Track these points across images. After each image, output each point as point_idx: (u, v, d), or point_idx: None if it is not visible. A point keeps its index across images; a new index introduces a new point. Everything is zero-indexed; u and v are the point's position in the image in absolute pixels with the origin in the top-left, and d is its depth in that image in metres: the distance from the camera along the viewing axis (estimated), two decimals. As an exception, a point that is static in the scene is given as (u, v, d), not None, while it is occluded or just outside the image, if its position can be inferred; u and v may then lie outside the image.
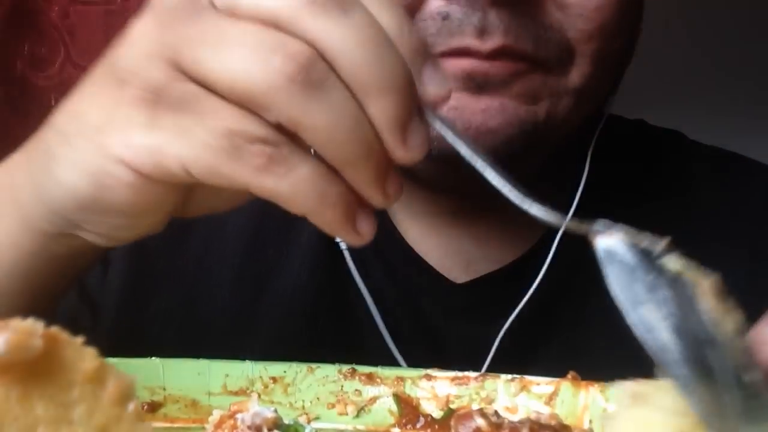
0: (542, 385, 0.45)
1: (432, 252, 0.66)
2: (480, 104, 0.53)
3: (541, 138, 0.56)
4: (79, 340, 0.25)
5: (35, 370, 0.22)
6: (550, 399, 0.45)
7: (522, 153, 0.55)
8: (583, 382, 0.44)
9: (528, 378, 0.46)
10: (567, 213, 0.63)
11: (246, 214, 0.67)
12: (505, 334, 0.62)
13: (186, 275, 0.66)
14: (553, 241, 0.63)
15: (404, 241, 0.66)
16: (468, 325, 0.64)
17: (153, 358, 0.45)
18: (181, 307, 0.64)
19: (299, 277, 0.65)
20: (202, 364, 0.46)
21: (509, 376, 0.45)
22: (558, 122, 0.57)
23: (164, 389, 0.45)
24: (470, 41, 0.52)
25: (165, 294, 0.64)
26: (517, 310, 0.62)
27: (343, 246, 0.65)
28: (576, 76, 0.55)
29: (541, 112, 0.55)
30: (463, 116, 0.54)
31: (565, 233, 0.64)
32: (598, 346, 0.62)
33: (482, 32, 0.52)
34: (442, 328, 0.64)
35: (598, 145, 0.67)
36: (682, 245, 0.69)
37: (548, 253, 0.63)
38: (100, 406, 0.24)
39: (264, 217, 0.67)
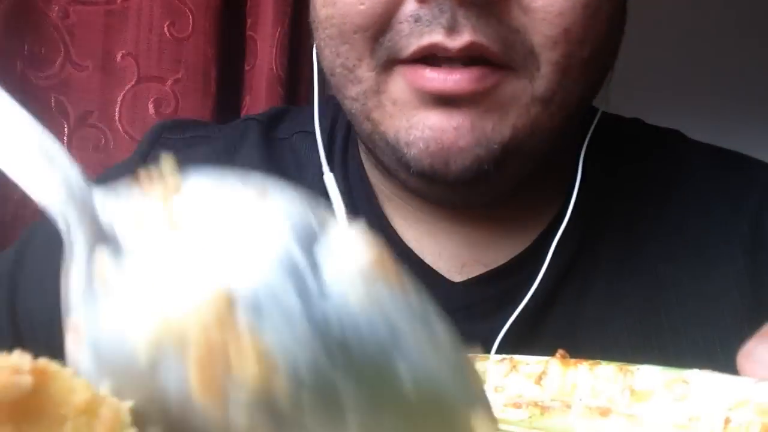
0: (531, 364, 0.45)
1: (428, 254, 0.66)
2: (452, 122, 0.54)
3: (513, 152, 0.57)
4: (70, 370, 0.24)
5: (24, 408, 0.22)
6: (540, 378, 0.44)
7: (494, 170, 0.56)
8: (572, 360, 0.44)
9: (517, 358, 0.45)
10: (564, 214, 0.63)
11: None
12: (496, 333, 0.62)
13: None
14: (550, 242, 0.63)
15: (402, 241, 0.66)
16: (467, 323, 0.64)
17: None
18: None
19: None
20: None
21: (498, 357, 0.46)
22: (528, 133, 0.57)
23: None
24: (439, 38, 0.53)
25: None
26: (517, 311, 0.62)
27: None
28: (541, 84, 0.55)
29: (506, 129, 0.56)
30: (437, 136, 0.55)
31: (562, 235, 0.64)
32: (595, 347, 0.62)
33: (451, 30, 0.53)
34: None
35: (593, 145, 0.67)
36: (680, 244, 0.69)
37: (544, 253, 0.63)
38: (94, 440, 0.23)
39: None
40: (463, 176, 0.56)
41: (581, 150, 0.65)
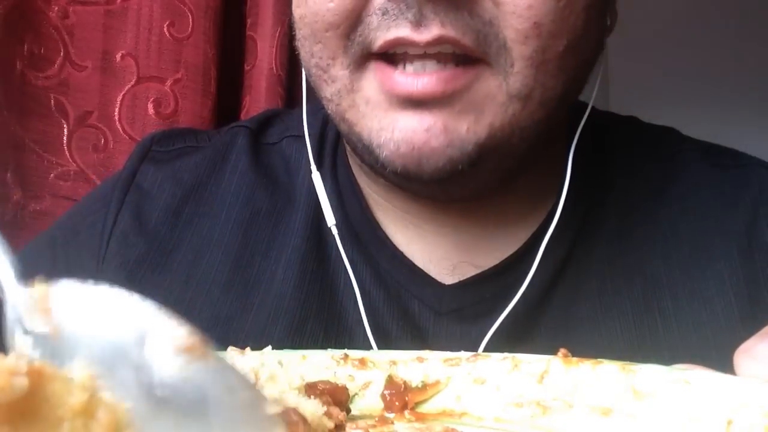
0: (533, 363, 0.45)
1: (418, 257, 0.66)
2: (423, 123, 0.54)
3: (490, 151, 0.56)
4: (66, 372, 0.24)
5: (21, 409, 0.21)
6: (542, 377, 0.44)
7: (470, 169, 0.55)
8: (574, 359, 0.44)
9: (519, 356, 0.45)
10: (554, 212, 0.63)
11: (233, 226, 0.67)
12: (492, 334, 0.62)
13: (174, 288, 0.66)
14: (542, 241, 0.63)
15: (393, 244, 0.66)
16: (459, 325, 0.64)
17: None
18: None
19: (286, 283, 0.65)
20: None
21: (501, 356, 0.45)
22: (506, 132, 0.56)
23: None
24: (406, 32, 0.53)
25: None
26: (506, 312, 0.62)
27: (339, 247, 0.65)
28: (517, 80, 0.55)
29: (482, 129, 0.55)
30: (407, 137, 0.54)
31: (551, 237, 0.64)
32: (589, 347, 0.62)
33: (418, 24, 0.52)
34: (430, 329, 0.64)
35: (587, 143, 0.66)
36: (675, 242, 0.68)
37: (534, 255, 0.63)
38: (92, 441, 0.23)
39: (250, 227, 0.68)
40: (437, 176, 0.56)
41: (570, 149, 0.64)
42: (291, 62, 1.10)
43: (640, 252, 0.66)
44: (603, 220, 0.67)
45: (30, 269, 0.71)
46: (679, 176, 0.70)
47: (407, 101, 0.55)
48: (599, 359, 0.43)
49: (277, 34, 1.08)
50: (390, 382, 0.47)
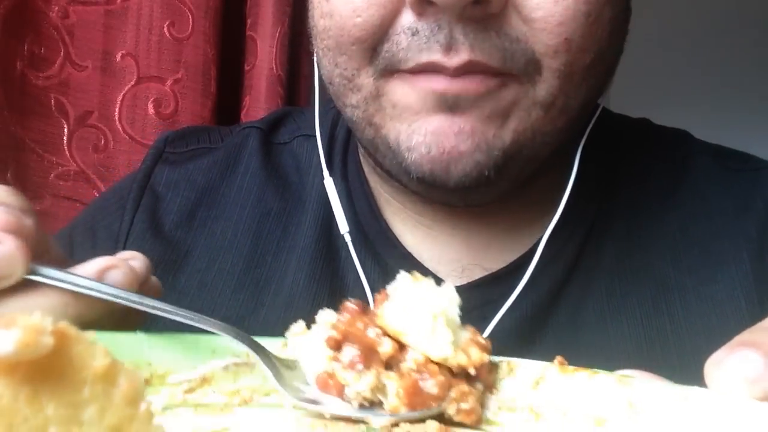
0: (529, 368, 0.44)
1: (427, 258, 0.66)
2: (453, 127, 0.54)
3: (514, 157, 0.56)
4: (89, 336, 0.24)
5: (44, 369, 0.21)
6: (537, 383, 0.44)
7: (495, 176, 0.55)
8: (571, 367, 0.43)
9: (514, 361, 0.45)
10: (569, 212, 0.62)
11: (244, 227, 0.68)
12: (500, 336, 0.61)
13: (189, 290, 0.66)
14: (551, 244, 0.63)
15: (401, 245, 0.66)
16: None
17: (138, 332, 0.44)
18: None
19: (296, 284, 0.65)
20: (189, 339, 0.45)
21: (496, 359, 0.45)
22: (528, 137, 0.56)
23: (150, 364, 0.43)
24: (438, 57, 0.52)
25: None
26: (500, 314, 0.61)
27: (351, 249, 0.65)
28: (542, 89, 0.55)
29: (507, 134, 0.55)
30: (438, 140, 0.54)
31: (557, 237, 0.64)
32: (597, 350, 0.62)
33: (449, 48, 0.52)
34: None
35: (598, 145, 0.66)
36: (685, 245, 0.68)
37: (546, 256, 0.63)
38: (112, 406, 0.23)
39: (261, 228, 0.68)
40: (464, 182, 0.55)
41: (584, 151, 0.64)
42: (291, 62, 1.10)
43: (649, 255, 0.66)
44: (612, 222, 0.67)
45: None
46: (689, 179, 0.70)
47: (440, 103, 0.54)
48: (595, 370, 0.43)
49: (277, 34, 1.08)
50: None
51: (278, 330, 0.63)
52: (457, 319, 0.44)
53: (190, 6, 1.06)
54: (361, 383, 0.41)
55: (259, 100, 1.09)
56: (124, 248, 0.69)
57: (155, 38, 1.05)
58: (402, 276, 0.45)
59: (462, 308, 0.64)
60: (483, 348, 0.43)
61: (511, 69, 0.54)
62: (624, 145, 0.72)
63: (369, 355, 0.42)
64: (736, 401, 0.35)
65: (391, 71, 0.56)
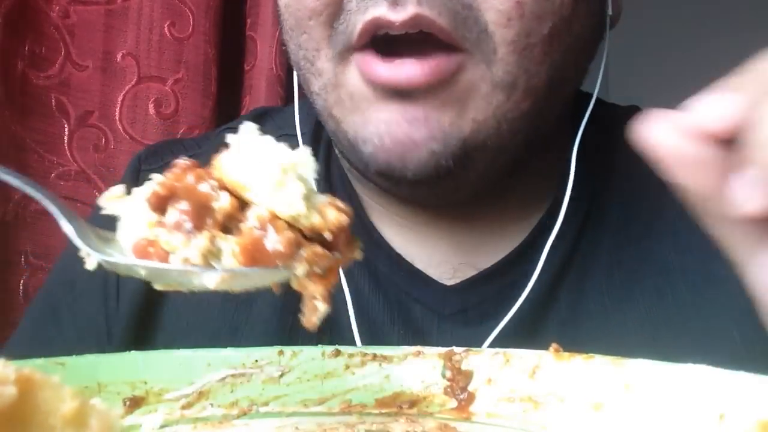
0: (525, 358, 0.45)
1: (418, 261, 0.65)
2: (406, 115, 0.53)
3: (477, 148, 0.55)
4: (56, 379, 0.24)
5: (10, 418, 0.21)
6: (534, 372, 0.44)
7: (458, 167, 0.54)
8: (566, 354, 0.44)
9: (510, 351, 0.45)
10: (555, 208, 0.62)
11: None
12: (499, 335, 0.61)
13: (176, 304, 0.66)
14: (543, 237, 0.62)
15: (391, 248, 0.65)
16: (465, 327, 0.63)
17: (132, 351, 0.45)
18: (178, 337, 0.64)
19: (278, 296, 0.65)
20: (183, 355, 0.45)
21: (492, 351, 0.45)
22: (492, 126, 0.54)
23: (145, 383, 0.43)
24: (383, 11, 0.52)
25: (168, 327, 0.65)
26: (510, 314, 0.61)
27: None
28: (500, 68, 0.53)
29: (466, 124, 0.54)
30: (390, 129, 0.53)
31: (551, 231, 0.63)
32: (599, 341, 0.61)
33: (395, 4, 0.51)
34: (434, 332, 0.63)
35: (589, 134, 0.65)
36: (686, 229, 0.67)
37: (538, 249, 0.62)
38: (82, 449, 0.23)
39: None
40: (422, 173, 0.54)
41: (574, 143, 0.63)
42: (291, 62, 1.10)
43: (648, 240, 0.65)
44: (607, 210, 0.66)
45: (36, 340, 0.70)
46: None
47: (391, 92, 0.54)
48: (591, 354, 0.43)
49: (277, 34, 1.08)
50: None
51: (269, 340, 0.63)
52: (313, 184, 0.36)
53: (191, 6, 1.06)
54: (190, 249, 0.34)
55: (259, 100, 1.09)
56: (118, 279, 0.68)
57: (156, 38, 1.05)
58: (246, 126, 0.37)
59: (458, 308, 0.64)
60: (342, 211, 0.37)
61: (464, 38, 0.53)
62: (615, 132, 0.71)
63: (201, 213, 0.34)
64: (730, 375, 0.36)
65: (347, 51, 0.56)
